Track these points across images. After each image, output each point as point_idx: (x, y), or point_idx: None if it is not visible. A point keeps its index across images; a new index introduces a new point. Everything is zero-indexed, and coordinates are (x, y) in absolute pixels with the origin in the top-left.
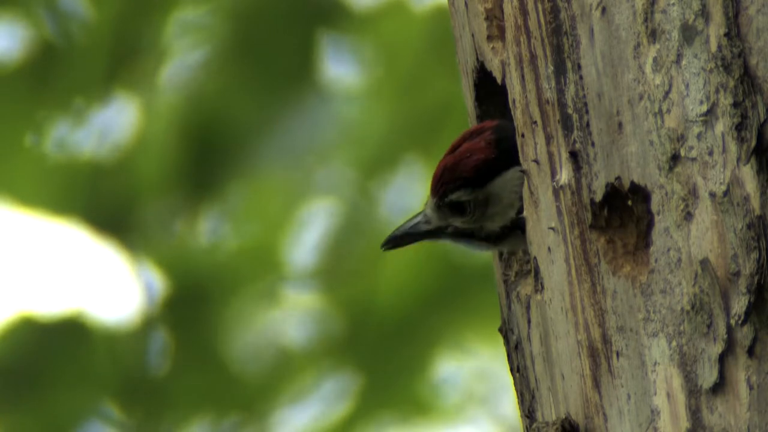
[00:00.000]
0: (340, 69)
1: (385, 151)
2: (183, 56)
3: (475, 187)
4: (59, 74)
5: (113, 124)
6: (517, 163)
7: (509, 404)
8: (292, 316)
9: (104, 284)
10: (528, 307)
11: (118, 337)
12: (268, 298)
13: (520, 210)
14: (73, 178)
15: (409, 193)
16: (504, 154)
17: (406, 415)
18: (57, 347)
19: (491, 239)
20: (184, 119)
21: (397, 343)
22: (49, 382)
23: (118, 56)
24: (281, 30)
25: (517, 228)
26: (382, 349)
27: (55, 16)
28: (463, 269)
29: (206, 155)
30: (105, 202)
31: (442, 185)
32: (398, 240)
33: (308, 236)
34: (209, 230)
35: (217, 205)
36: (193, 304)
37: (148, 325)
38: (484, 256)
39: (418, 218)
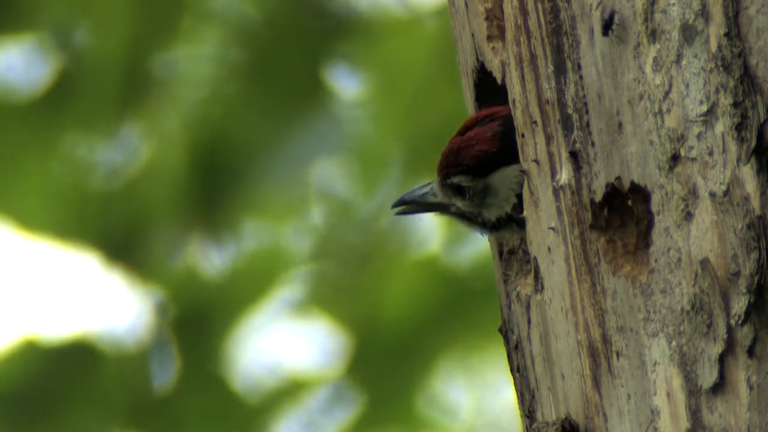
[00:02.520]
0: (349, 86)
1: (392, 168)
2: (192, 81)
3: (474, 176)
4: (70, 101)
5: (123, 150)
6: (517, 160)
7: (511, 420)
8: (295, 336)
9: (111, 307)
10: (528, 307)
11: (125, 360)
12: (271, 319)
13: (515, 207)
14: (83, 203)
15: None
16: (505, 150)
17: None
18: (65, 370)
19: (488, 227)
20: (193, 144)
21: (400, 361)
22: (57, 405)
23: (128, 83)
24: (289, 49)
25: (512, 221)
26: (385, 367)
27: (66, 44)
28: (465, 287)
29: (214, 179)
30: (114, 226)
31: (445, 167)
32: (405, 203)
33: (312, 254)
34: (215, 253)
35: (223, 228)
36: (199, 326)
37: (154, 347)
38: (486, 272)
39: (427, 188)
